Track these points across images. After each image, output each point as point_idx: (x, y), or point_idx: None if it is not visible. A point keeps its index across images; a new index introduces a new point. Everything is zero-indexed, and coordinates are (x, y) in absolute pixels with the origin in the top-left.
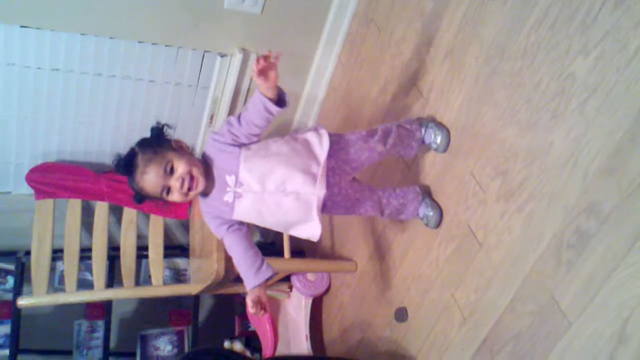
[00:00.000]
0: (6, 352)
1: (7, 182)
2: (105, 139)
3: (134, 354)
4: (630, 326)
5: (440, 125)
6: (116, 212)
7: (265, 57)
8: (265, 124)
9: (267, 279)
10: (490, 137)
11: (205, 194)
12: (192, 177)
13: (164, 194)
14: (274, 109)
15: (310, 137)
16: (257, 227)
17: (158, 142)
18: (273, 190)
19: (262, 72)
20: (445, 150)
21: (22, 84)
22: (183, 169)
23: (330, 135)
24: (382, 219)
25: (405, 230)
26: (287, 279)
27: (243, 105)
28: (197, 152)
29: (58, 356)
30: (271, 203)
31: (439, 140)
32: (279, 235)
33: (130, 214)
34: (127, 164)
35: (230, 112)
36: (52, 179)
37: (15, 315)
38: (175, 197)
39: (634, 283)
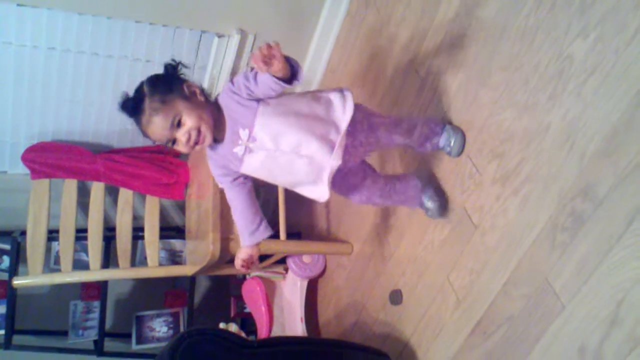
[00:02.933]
0: (1, 332)
1: (3, 161)
2: (101, 119)
3: (129, 335)
4: (623, 308)
5: (456, 129)
6: (112, 193)
7: (263, 49)
8: (282, 91)
9: (263, 239)
10: (487, 119)
11: (215, 140)
12: (199, 132)
13: (169, 144)
14: (286, 85)
15: (334, 97)
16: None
17: (169, 85)
18: (287, 151)
19: (265, 63)
20: (459, 155)
21: (18, 63)
22: (191, 124)
23: (356, 108)
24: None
25: (401, 213)
26: (282, 261)
27: None
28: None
29: (54, 337)
30: (282, 162)
31: (452, 143)
32: (275, 215)
33: (126, 194)
34: (133, 107)
35: None
36: (48, 158)
37: (10, 295)
38: (180, 148)
39: (628, 265)
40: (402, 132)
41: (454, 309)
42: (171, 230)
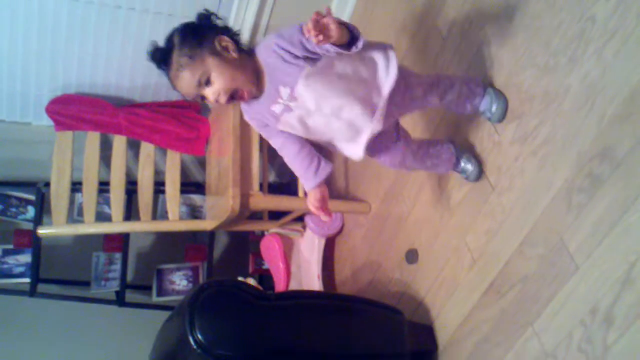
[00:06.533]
0: (27, 280)
1: (27, 112)
2: (123, 73)
3: (150, 287)
4: (636, 270)
5: (499, 94)
6: (134, 147)
7: (314, 20)
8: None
9: (328, 174)
10: (507, 80)
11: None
12: (236, 91)
13: (198, 99)
14: (345, 51)
15: (378, 58)
16: (273, 167)
17: (200, 38)
18: (327, 113)
19: (321, 34)
20: (500, 121)
21: (42, 15)
22: (220, 84)
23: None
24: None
25: (419, 173)
26: (300, 218)
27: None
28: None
29: (76, 286)
30: (320, 122)
31: (494, 109)
32: (294, 175)
33: (147, 148)
34: (161, 59)
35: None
36: (71, 110)
37: (35, 245)
38: (211, 103)
39: None
40: (439, 92)
41: (469, 269)
42: (191, 186)
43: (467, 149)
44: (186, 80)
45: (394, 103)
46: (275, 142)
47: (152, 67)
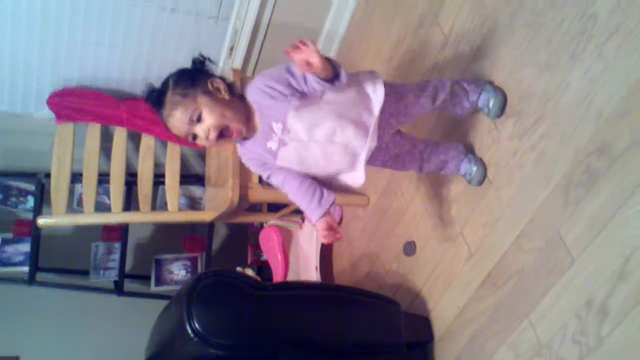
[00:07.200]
0: (26, 268)
1: (29, 104)
2: (125, 66)
3: (148, 277)
4: (631, 264)
5: (497, 90)
6: (134, 139)
7: (296, 47)
8: (324, 90)
9: (332, 204)
10: (507, 76)
11: (243, 137)
12: (225, 129)
13: (190, 139)
14: (328, 85)
15: (364, 81)
16: None
17: (193, 79)
18: (321, 140)
19: (303, 61)
20: (498, 117)
21: (45, 7)
22: (211, 121)
23: (384, 86)
24: (420, 175)
25: None
26: (299, 211)
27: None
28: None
29: (75, 275)
30: (317, 151)
31: (491, 104)
32: None
33: (148, 140)
34: (156, 99)
35: (251, 43)
36: (73, 103)
37: (35, 234)
38: (202, 143)
39: (638, 222)
40: (431, 93)
41: (466, 262)
42: (191, 178)
43: (471, 152)
44: (178, 117)
45: (390, 114)
46: (277, 180)
47: (154, 60)
